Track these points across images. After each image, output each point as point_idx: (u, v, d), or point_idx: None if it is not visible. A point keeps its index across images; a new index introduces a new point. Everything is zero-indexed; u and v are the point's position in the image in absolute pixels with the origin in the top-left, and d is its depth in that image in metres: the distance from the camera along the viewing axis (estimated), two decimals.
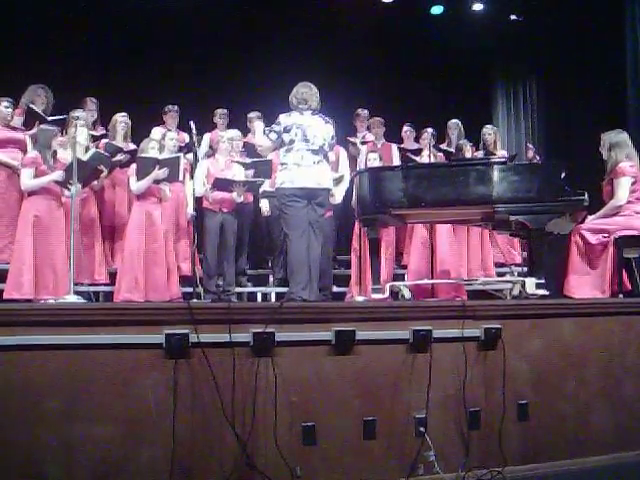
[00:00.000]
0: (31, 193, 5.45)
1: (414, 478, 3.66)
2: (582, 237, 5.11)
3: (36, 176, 5.41)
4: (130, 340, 3.29)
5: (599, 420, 4.13)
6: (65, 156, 5.68)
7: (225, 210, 6.32)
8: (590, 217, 5.23)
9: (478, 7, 9.67)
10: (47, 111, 6.25)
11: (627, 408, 4.20)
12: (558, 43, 9.26)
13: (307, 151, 5.01)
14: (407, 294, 5.53)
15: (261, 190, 6.64)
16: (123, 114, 6.73)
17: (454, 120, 7.79)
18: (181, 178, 6.28)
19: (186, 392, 3.34)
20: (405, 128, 7.91)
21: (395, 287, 5.60)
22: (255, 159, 6.46)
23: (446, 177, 5.10)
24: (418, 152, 7.28)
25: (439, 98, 9.48)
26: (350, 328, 3.63)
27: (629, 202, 5.15)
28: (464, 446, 3.80)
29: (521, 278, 5.09)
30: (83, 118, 6.06)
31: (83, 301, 4.43)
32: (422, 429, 3.70)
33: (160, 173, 5.88)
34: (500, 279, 6.37)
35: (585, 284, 5.04)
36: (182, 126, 7.03)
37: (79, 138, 5.59)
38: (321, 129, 5.10)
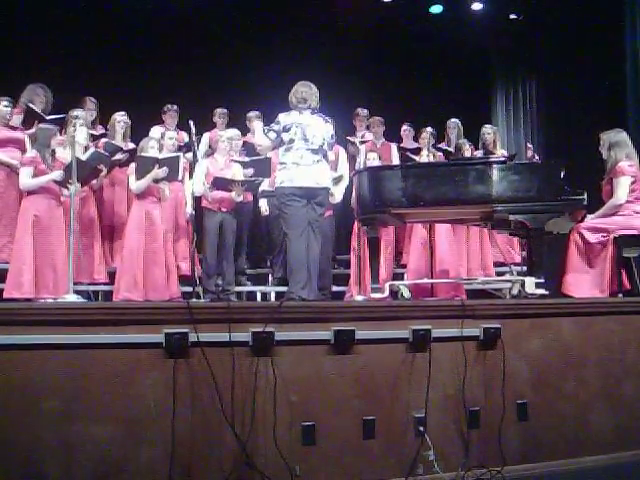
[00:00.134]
0: (30, 192, 5.44)
1: (413, 478, 3.66)
2: (581, 236, 5.12)
3: (35, 175, 5.41)
4: (129, 339, 3.29)
5: (598, 420, 4.13)
6: (64, 155, 5.67)
7: (224, 209, 6.32)
8: (589, 216, 5.23)
9: (477, 6, 9.69)
10: (46, 110, 6.24)
11: (626, 408, 4.20)
12: (558, 42, 9.26)
13: (306, 150, 5.01)
14: (406, 293, 5.53)
15: (260, 189, 6.64)
16: (122, 113, 6.73)
17: (453, 119, 7.79)
18: (180, 177, 6.28)
19: (185, 391, 3.34)
20: (404, 127, 7.92)
21: (394, 286, 5.60)
22: (254, 157, 6.46)
23: (445, 176, 5.10)
24: (417, 151, 7.28)
25: (438, 97, 9.48)
26: (349, 327, 3.62)
27: (628, 202, 5.16)
28: (463, 446, 3.80)
29: (520, 277, 5.09)
30: (82, 117, 6.05)
31: (82, 300, 4.43)
32: (421, 428, 3.70)
33: (160, 172, 5.88)
34: (499, 278, 6.37)
35: (584, 282, 5.04)
36: (181, 125, 7.03)
37: (78, 137, 5.59)
38: (320, 128, 5.10)
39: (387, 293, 5.43)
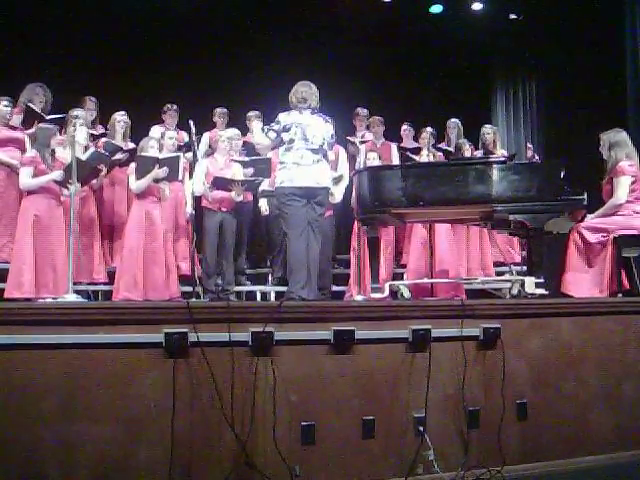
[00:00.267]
0: (30, 192, 5.44)
1: (413, 477, 3.66)
2: (581, 236, 5.12)
3: (35, 175, 5.41)
4: (129, 339, 3.29)
5: (598, 419, 4.13)
6: (64, 155, 5.67)
7: (224, 209, 6.32)
8: (589, 216, 5.23)
9: (477, 6, 9.69)
10: (45, 110, 6.24)
11: (626, 407, 4.20)
12: (557, 42, 9.26)
13: (306, 150, 5.01)
14: (406, 293, 5.53)
15: (260, 189, 6.64)
16: (122, 113, 6.73)
17: (453, 119, 7.79)
18: (180, 177, 6.28)
19: (185, 391, 3.34)
20: (404, 127, 7.92)
21: (394, 286, 5.60)
22: (254, 157, 6.46)
23: (445, 176, 5.10)
24: (417, 151, 7.28)
25: (438, 97, 9.48)
26: (349, 327, 3.62)
27: (628, 202, 5.16)
28: (463, 445, 3.80)
29: (520, 277, 5.09)
30: (82, 117, 6.05)
31: (82, 300, 4.43)
32: (421, 428, 3.70)
33: (160, 172, 5.88)
34: (499, 278, 6.38)
35: (583, 282, 5.04)
36: (181, 125, 7.03)
37: (78, 137, 5.59)
38: (321, 128, 5.10)
39: (387, 293, 5.44)
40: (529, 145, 7.65)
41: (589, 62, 8.64)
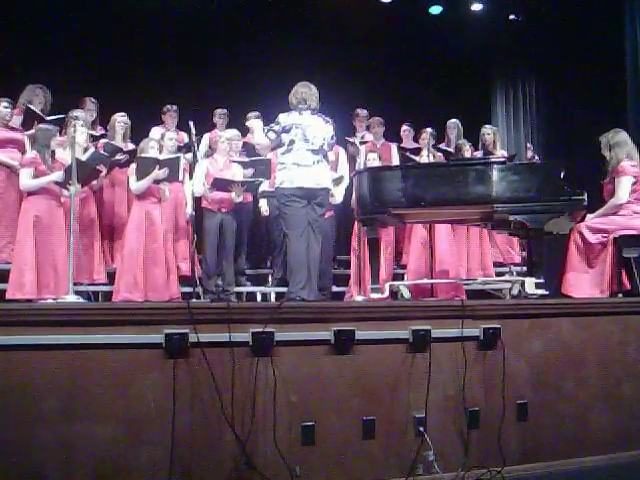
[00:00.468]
0: (31, 193, 5.44)
1: (413, 478, 3.67)
2: (581, 236, 5.12)
3: (35, 176, 5.41)
4: (129, 340, 3.29)
5: (598, 420, 4.14)
6: (64, 156, 5.67)
7: (224, 210, 6.32)
8: (590, 215, 5.24)
9: (477, 7, 9.68)
10: (45, 111, 6.24)
11: (626, 408, 4.21)
12: (557, 43, 9.26)
13: (307, 151, 5.01)
14: (406, 294, 5.53)
15: (260, 190, 6.64)
16: (122, 114, 6.72)
17: (453, 120, 7.79)
18: (180, 178, 6.28)
19: (185, 392, 3.34)
20: (404, 127, 7.91)
21: (394, 287, 5.60)
22: (253, 158, 6.46)
23: (445, 177, 5.10)
24: (417, 152, 7.28)
25: (438, 98, 9.47)
26: (349, 328, 3.63)
27: (629, 202, 5.16)
28: (463, 446, 3.81)
29: (520, 278, 5.09)
30: (82, 118, 6.05)
31: (82, 301, 4.43)
32: (421, 429, 3.70)
33: (160, 173, 5.88)
34: (499, 279, 6.38)
35: (583, 282, 5.05)
36: (181, 126, 7.03)
37: (79, 138, 5.59)
38: (321, 129, 5.10)
39: (387, 293, 5.44)
40: (529, 145, 7.65)
41: (589, 62, 8.64)
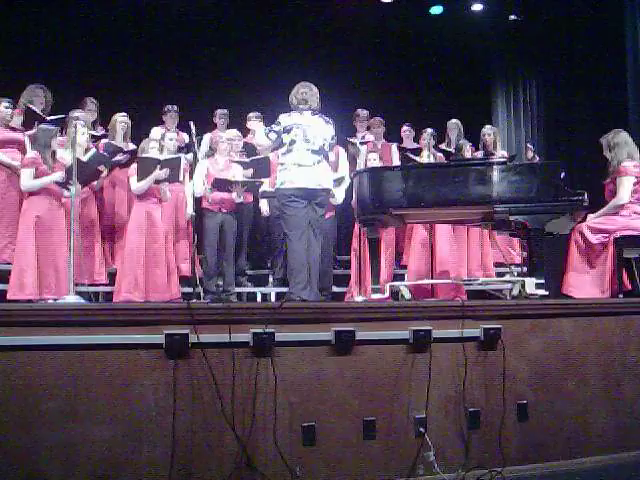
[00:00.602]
0: (31, 193, 5.44)
1: (414, 478, 3.66)
2: (582, 236, 5.12)
3: (36, 176, 5.41)
4: (130, 340, 3.29)
5: (599, 420, 4.13)
6: (64, 156, 5.68)
7: (225, 210, 6.32)
8: (591, 215, 5.24)
9: (477, 7, 9.69)
10: (46, 111, 6.25)
11: (627, 408, 4.20)
12: (558, 43, 9.27)
13: (307, 151, 5.01)
14: (407, 294, 5.52)
15: (261, 190, 6.64)
16: (123, 114, 6.72)
17: (454, 120, 7.79)
18: (181, 178, 6.28)
19: (186, 392, 3.34)
20: (404, 128, 7.91)
21: (395, 287, 5.60)
22: (253, 157, 6.46)
23: (446, 177, 5.10)
24: (418, 152, 7.28)
25: (439, 98, 9.48)
26: (350, 328, 3.63)
27: (630, 202, 5.16)
28: (464, 446, 3.80)
29: (521, 278, 5.08)
30: (83, 118, 6.06)
31: (83, 301, 4.43)
32: (422, 429, 3.70)
33: (161, 173, 5.89)
34: (500, 279, 6.38)
35: (584, 283, 5.05)
36: (182, 126, 7.03)
37: (80, 139, 5.58)
38: (321, 129, 5.11)
39: (387, 294, 5.43)
40: (529, 146, 7.65)
41: (589, 62, 8.65)
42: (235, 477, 3.36)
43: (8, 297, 5.23)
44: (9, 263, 5.54)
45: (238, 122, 7.44)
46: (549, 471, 3.93)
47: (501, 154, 7.12)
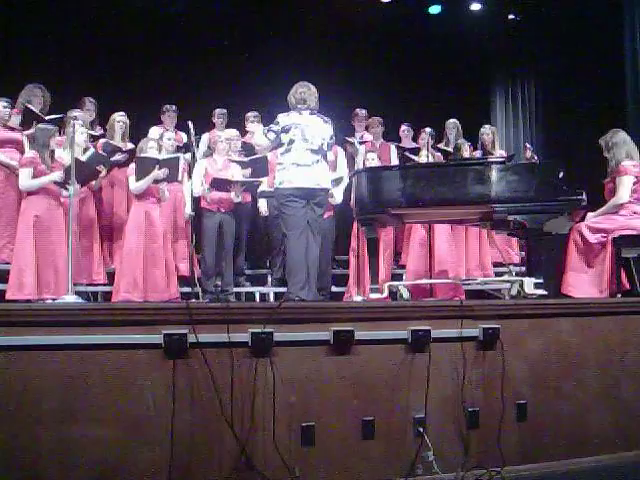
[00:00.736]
0: (30, 193, 5.43)
1: (413, 478, 3.66)
2: (581, 236, 5.13)
3: (35, 176, 5.40)
4: (128, 340, 3.29)
5: (598, 420, 4.13)
6: (63, 156, 5.67)
7: (223, 210, 6.32)
8: (590, 214, 5.24)
9: (476, 7, 9.69)
10: (44, 111, 6.24)
11: (626, 408, 4.20)
12: (556, 42, 9.27)
13: (306, 151, 5.01)
14: (405, 294, 5.52)
15: (259, 190, 6.64)
16: (121, 114, 6.71)
17: (452, 120, 7.78)
18: (179, 178, 6.28)
19: (185, 392, 3.34)
20: (403, 127, 7.92)
21: (393, 287, 5.60)
22: (251, 157, 6.46)
23: (444, 177, 5.10)
24: (416, 152, 7.28)
25: (437, 98, 9.49)
26: (348, 328, 3.62)
27: (629, 202, 5.16)
28: (463, 446, 3.80)
29: (519, 278, 5.09)
30: (81, 118, 6.05)
31: (81, 301, 4.43)
32: (421, 429, 3.70)
33: (160, 173, 5.88)
34: (498, 279, 6.37)
35: (583, 282, 5.05)
36: (181, 126, 7.03)
37: (78, 139, 5.58)
38: (320, 129, 5.11)
39: (386, 294, 5.43)
40: (528, 145, 7.65)
41: (588, 62, 8.65)
42: (234, 477, 3.35)
43: (7, 297, 5.22)
44: (8, 263, 5.53)
45: (236, 122, 7.44)
46: (548, 471, 3.93)
47: (499, 154, 7.12)
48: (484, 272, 6.79)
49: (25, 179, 5.41)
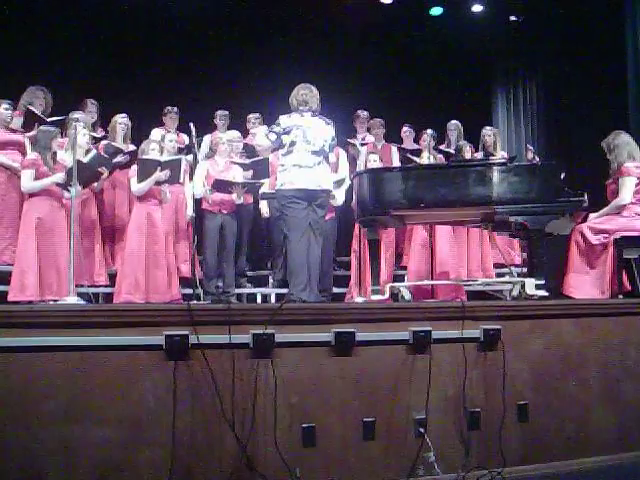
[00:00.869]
0: (32, 195, 5.44)
1: (414, 479, 3.67)
2: (583, 236, 5.13)
3: (37, 178, 5.41)
4: (130, 342, 3.30)
5: (599, 420, 4.13)
6: (65, 157, 5.68)
7: (225, 211, 6.33)
8: (592, 215, 5.24)
9: (477, 8, 9.69)
10: (46, 112, 6.25)
11: (627, 408, 4.20)
12: (558, 44, 9.27)
13: (307, 152, 5.02)
14: (407, 295, 5.52)
15: (261, 192, 6.64)
16: (123, 115, 6.73)
17: (454, 121, 7.79)
18: (181, 180, 6.29)
19: (186, 393, 3.34)
20: (404, 129, 7.92)
21: (395, 288, 5.59)
22: (252, 159, 6.47)
23: (446, 178, 5.09)
24: (418, 153, 7.29)
25: (439, 99, 9.49)
26: (350, 329, 3.63)
27: (632, 203, 5.16)
28: (464, 447, 3.80)
29: (521, 279, 5.08)
30: (83, 120, 6.06)
31: (83, 303, 4.43)
32: (422, 430, 3.70)
33: (162, 175, 5.89)
34: (500, 280, 6.36)
35: (584, 283, 5.05)
36: (182, 127, 7.04)
37: (80, 141, 5.59)
38: (321, 130, 5.11)
39: (387, 295, 5.43)
40: (529, 146, 7.65)
41: (589, 63, 8.66)
42: (235, 478, 3.36)
43: (9, 298, 5.23)
44: (10, 264, 5.54)
45: (238, 123, 7.45)
46: (549, 471, 3.93)
47: (501, 155, 7.12)
48: (485, 273, 6.78)
49: (27, 181, 5.41)
